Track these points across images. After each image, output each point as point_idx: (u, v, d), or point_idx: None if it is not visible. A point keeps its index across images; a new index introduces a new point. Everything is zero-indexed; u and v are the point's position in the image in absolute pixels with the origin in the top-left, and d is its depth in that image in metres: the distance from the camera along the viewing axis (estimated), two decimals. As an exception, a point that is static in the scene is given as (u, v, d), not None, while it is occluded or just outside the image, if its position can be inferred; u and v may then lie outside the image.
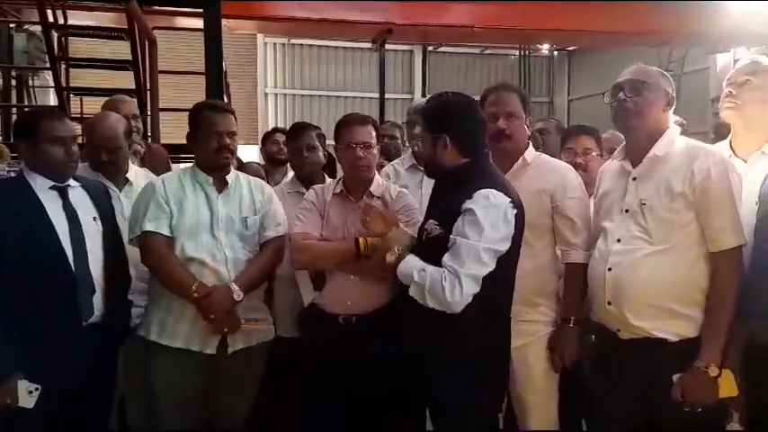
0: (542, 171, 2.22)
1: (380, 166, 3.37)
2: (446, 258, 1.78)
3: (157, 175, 2.61)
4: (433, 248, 1.84)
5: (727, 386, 1.77)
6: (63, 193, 2.10)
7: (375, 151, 2.30)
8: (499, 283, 1.84)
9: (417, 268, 1.82)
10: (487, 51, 12.57)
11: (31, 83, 7.21)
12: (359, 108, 12.05)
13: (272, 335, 2.42)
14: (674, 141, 1.92)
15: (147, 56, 4.91)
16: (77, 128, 2.36)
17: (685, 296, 1.84)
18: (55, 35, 4.97)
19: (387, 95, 11.31)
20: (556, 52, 12.84)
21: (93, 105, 6.64)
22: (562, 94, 13.18)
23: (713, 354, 1.78)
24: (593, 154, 2.62)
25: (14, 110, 7.00)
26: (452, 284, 1.74)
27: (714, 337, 1.79)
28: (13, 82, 6.98)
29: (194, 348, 2.22)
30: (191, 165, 2.37)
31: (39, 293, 1.98)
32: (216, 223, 2.25)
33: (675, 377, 1.82)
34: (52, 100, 6.44)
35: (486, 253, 1.76)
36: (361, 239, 2.15)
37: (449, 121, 1.91)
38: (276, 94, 12.08)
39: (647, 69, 1.99)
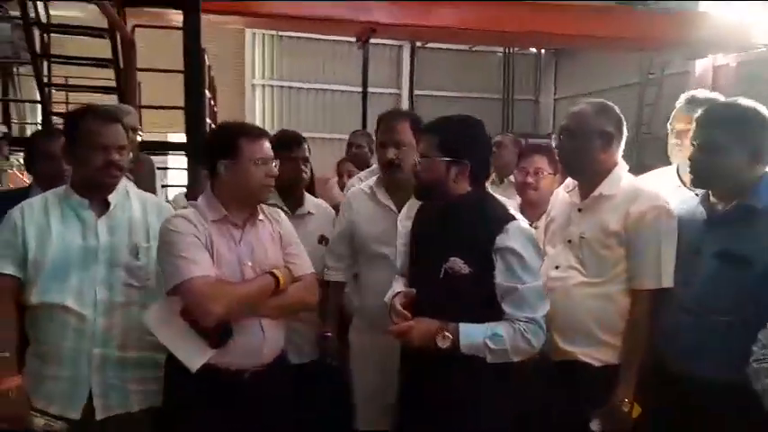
0: None
1: (349, 175, 3.47)
2: (514, 310, 1.74)
3: (142, 189, 2.17)
4: (455, 285, 1.77)
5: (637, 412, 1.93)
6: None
7: None
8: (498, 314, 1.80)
9: (485, 336, 1.73)
10: (476, 48, 12.67)
11: (15, 71, 7.29)
12: (346, 101, 12.13)
13: (159, 401, 1.95)
14: (620, 180, 1.98)
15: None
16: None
17: (611, 326, 1.96)
18: (37, 32, 5.04)
19: (374, 89, 11.40)
20: (543, 51, 12.95)
21: (77, 100, 6.74)
22: (548, 93, 13.30)
23: (626, 390, 1.90)
24: (545, 173, 2.69)
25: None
26: (536, 333, 1.75)
27: (626, 375, 1.91)
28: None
29: (54, 411, 1.83)
30: (62, 187, 1.97)
31: None
32: (93, 255, 1.85)
33: (594, 414, 1.94)
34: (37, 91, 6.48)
35: (542, 286, 1.82)
36: (277, 273, 1.88)
37: (472, 148, 1.83)
38: (264, 86, 12.14)
39: (582, 113, 2.00)
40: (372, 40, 8.20)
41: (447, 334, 1.73)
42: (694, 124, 1.86)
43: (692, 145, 1.85)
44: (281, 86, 12.18)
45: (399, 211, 2.27)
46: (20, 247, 1.83)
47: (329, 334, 2.41)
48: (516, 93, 12.92)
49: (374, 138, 3.37)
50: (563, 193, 2.18)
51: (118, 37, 4.80)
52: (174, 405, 1.90)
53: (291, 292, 1.93)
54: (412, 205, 2.15)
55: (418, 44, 12.25)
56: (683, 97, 2.52)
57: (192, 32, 4.77)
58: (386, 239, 2.24)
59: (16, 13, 5.48)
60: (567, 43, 9.76)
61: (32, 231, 1.84)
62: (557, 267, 2.04)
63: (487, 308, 1.77)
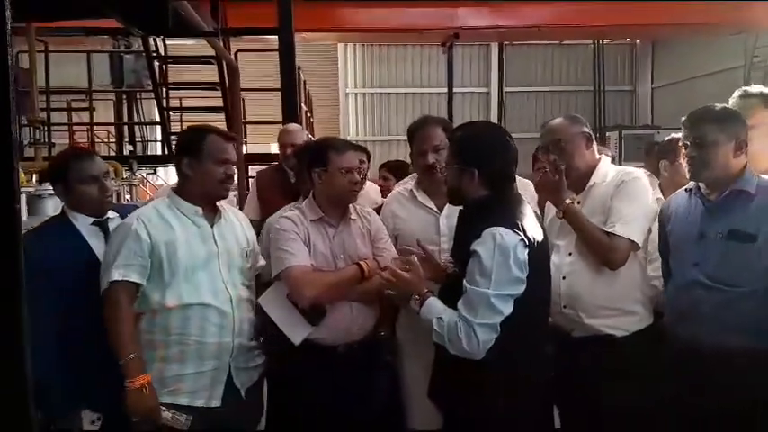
0: None
1: (385, 179, 3.44)
2: (460, 306, 1.78)
3: None
4: (451, 284, 1.90)
5: None
6: (103, 227, 2.17)
7: None
8: (516, 323, 1.78)
9: (436, 316, 1.81)
10: (566, 41, 12.46)
11: (138, 96, 8.28)
12: (435, 103, 12.41)
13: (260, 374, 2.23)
14: (607, 170, 2.29)
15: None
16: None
17: (628, 295, 2.22)
18: (156, 63, 5.78)
19: (463, 89, 11.59)
20: (639, 39, 12.51)
21: (190, 119, 7.56)
22: (645, 82, 12.81)
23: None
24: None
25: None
26: (468, 335, 1.75)
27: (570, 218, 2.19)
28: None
29: (199, 404, 2.00)
30: (162, 198, 2.15)
31: (95, 327, 1.97)
32: (214, 259, 2.05)
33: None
34: (156, 113, 7.35)
35: (498, 299, 1.74)
36: (363, 263, 2.15)
37: (480, 156, 1.88)
38: (356, 94, 12.70)
39: (560, 126, 2.30)
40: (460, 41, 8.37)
41: (418, 299, 1.87)
42: (684, 125, 2.09)
43: (685, 145, 2.07)
44: (373, 93, 12.67)
45: (440, 211, 2.38)
46: (147, 256, 1.95)
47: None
48: (611, 83, 12.57)
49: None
50: None
51: (224, 63, 5.40)
52: (281, 373, 2.24)
53: (376, 280, 2.14)
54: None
55: (506, 42, 12.26)
56: (737, 93, 2.61)
57: (286, 54, 5.29)
58: (428, 238, 2.30)
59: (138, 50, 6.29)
60: (662, 34, 9.41)
61: (161, 240, 1.97)
62: (570, 254, 2.25)
63: None
